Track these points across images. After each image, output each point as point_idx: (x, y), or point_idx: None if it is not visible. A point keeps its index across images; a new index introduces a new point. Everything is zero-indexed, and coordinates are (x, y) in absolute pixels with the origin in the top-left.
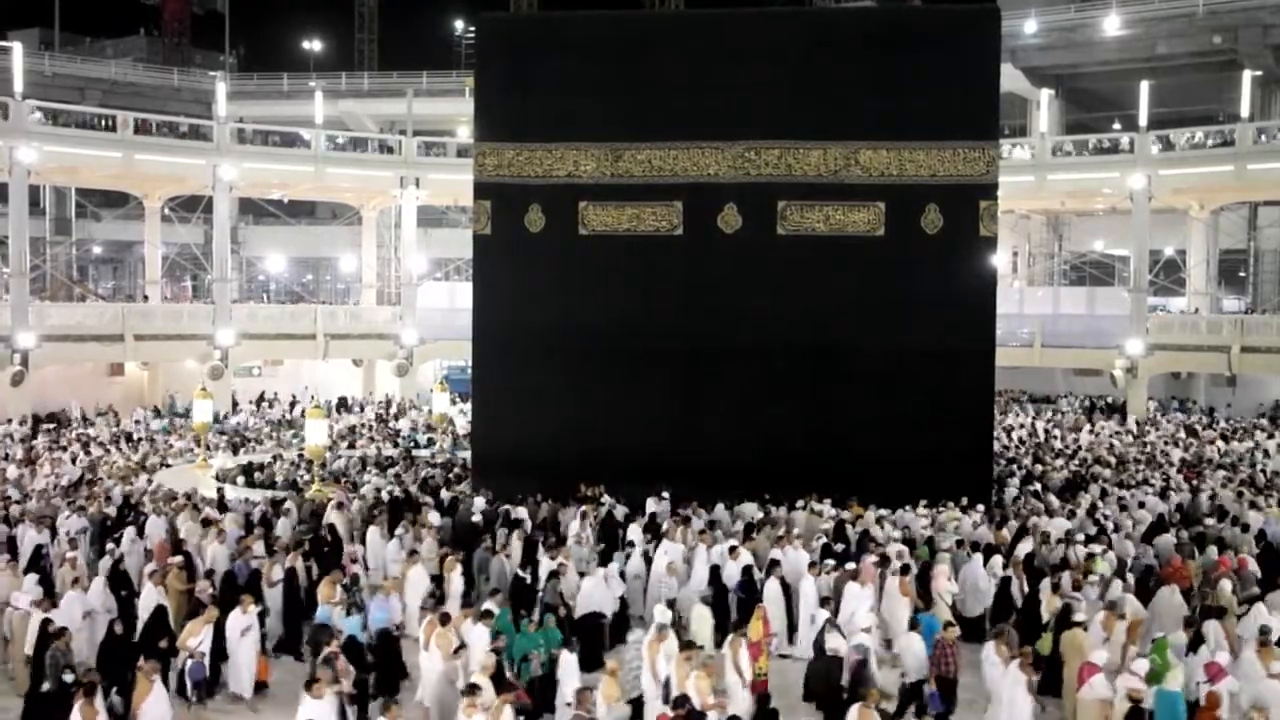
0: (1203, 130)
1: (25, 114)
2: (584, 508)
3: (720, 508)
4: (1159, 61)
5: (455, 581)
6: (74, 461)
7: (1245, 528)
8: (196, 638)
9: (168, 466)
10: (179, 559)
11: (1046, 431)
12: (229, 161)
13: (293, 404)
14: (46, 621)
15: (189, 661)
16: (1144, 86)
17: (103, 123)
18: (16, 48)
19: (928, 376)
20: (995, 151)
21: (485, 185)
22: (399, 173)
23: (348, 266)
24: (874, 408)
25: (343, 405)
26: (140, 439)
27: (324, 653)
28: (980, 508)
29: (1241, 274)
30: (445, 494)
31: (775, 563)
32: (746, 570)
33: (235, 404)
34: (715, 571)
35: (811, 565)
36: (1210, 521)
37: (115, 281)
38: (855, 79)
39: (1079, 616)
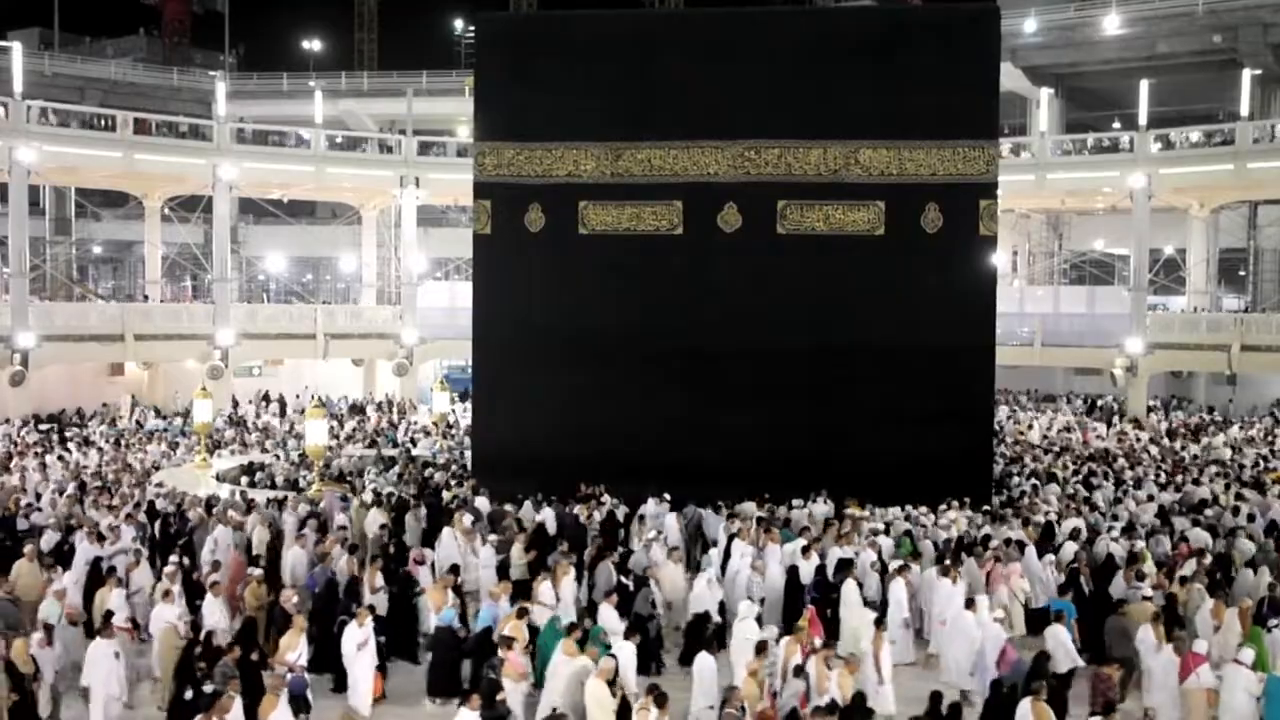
0: (1203, 129)
1: (25, 114)
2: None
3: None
4: (1159, 60)
5: (568, 588)
6: (43, 468)
7: (1252, 517)
8: (294, 650)
9: (157, 469)
10: (258, 572)
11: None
12: (229, 161)
13: (266, 401)
14: (193, 644)
15: (288, 675)
16: (1144, 85)
17: (103, 122)
18: (16, 47)
19: (928, 375)
20: (995, 150)
21: (485, 185)
22: (399, 172)
23: (348, 266)
24: (874, 407)
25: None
26: (99, 444)
27: (492, 658)
28: (985, 507)
29: (1241, 273)
30: (446, 495)
31: (847, 563)
32: (820, 570)
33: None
34: (793, 572)
35: (903, 568)
36: (1210, 512)
37: (115, 281)
38: (855, 78)
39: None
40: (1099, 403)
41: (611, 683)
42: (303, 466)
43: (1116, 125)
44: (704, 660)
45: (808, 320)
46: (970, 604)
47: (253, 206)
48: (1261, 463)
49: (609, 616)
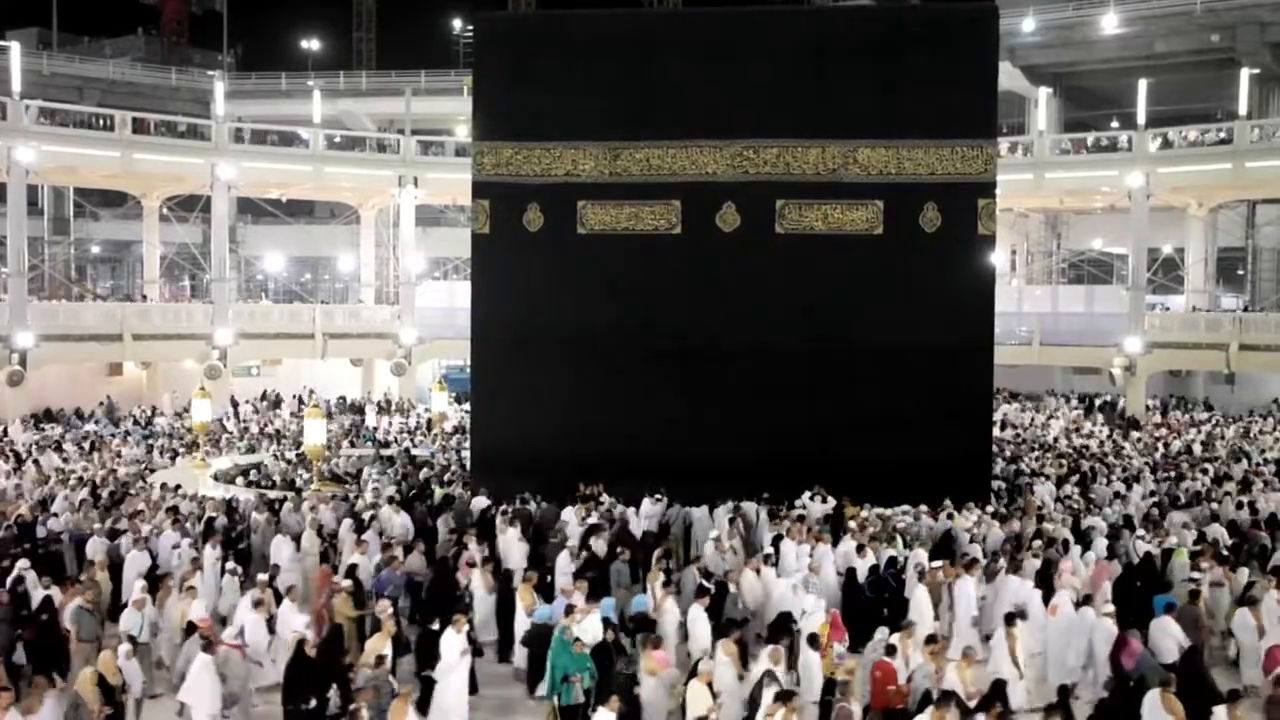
0: (1201, 128)
1: (23, 113)
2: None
3: (725, 507)
4: (1157, 59)
5: (660, 593)
6: (17, 472)
7: (1255, 510)
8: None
9: (152, 470)
10: (349, 583)
11: None
12: (227, 161)
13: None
14: (301, 642)
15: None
16: (1142, 84)
17: (101, 122)
18: (14, 47)
19: (926, 375)
20: (993, 149)
21: (484, 184)
22: (397, 172)
23: (346, 266)
24: (873, 406)
25: (276, 404)
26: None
27: (628, 653)
28: (988, 508)
29: (1240, 272)
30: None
31: (893, 560)
32: (874, 569)
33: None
34: (851, 574)
35: (971, 565)
36: (1214, 506)
37: (114, 281)
38: (854, 77)
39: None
40: (1097, 402)
41: (710, 685)
42: (300, 466)
43: (1115, 124)
44: (810, 657)
45: (806, 320)
46: (1089, 600)
47: (251, 206)
48: (1244, 459)
49: (700, 619)
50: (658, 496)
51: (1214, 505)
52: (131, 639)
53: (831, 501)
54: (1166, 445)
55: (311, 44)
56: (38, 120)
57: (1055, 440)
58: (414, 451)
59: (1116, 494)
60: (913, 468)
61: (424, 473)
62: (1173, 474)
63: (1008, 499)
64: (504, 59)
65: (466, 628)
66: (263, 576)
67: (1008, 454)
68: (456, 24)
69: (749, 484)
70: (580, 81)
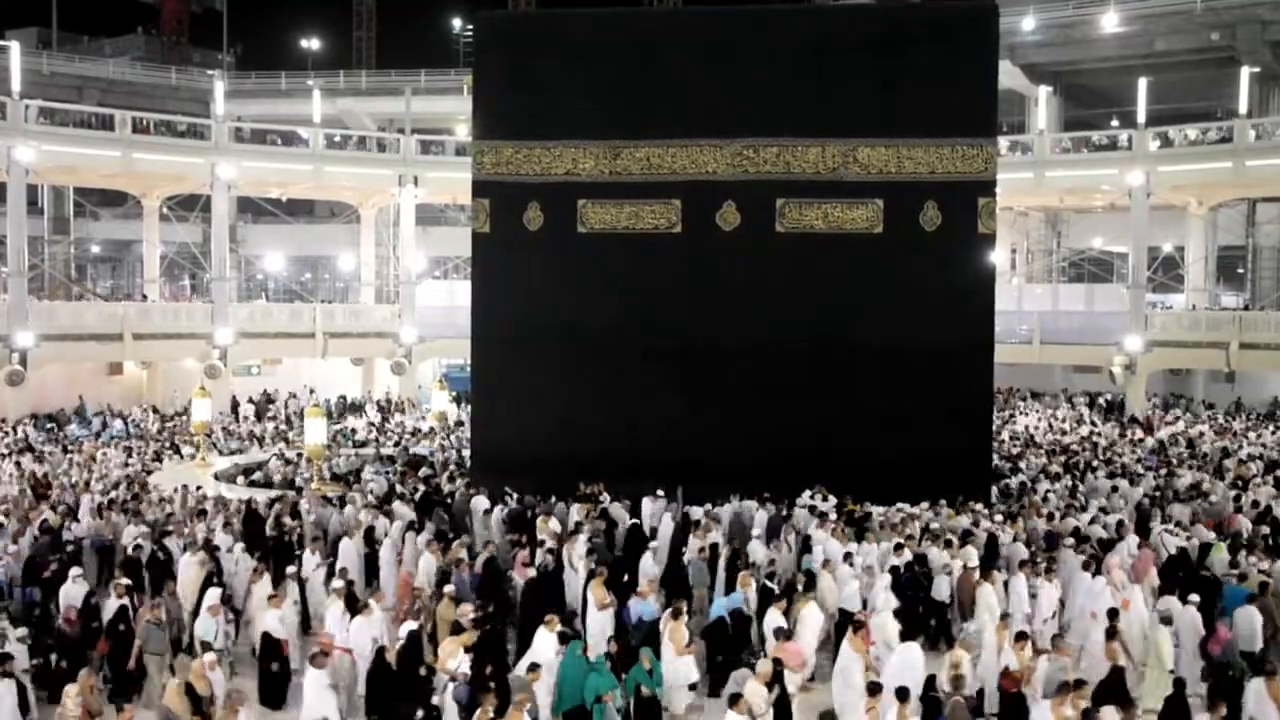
0: (1201, 127)
1: (23, 113)
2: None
3: (729, 506)
4: (1157, 58)
5: (751, 598)
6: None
7: (1255, 504)
8: (455, 659)
9: (149, 472)
10: (450, 589)
11: None
12: (227, 160)
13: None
14: (382, 650)
15: (451, 684)
16: (1142, 83)
17: (101, 122)
18: (14, 46)
19: (927, 374)
20: (993, 148)
21: (484, 183)
22: (397, 171)
23: (346, 265)
24: (873, 405)
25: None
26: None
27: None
28: (982, 506)
29: (1240, 270)
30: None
31: (921, 558)
32: (909, 567)
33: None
34: (895, 572)
35: (1023, 563)
36: (1215, 499)
37: (114, 280)
38: (854, 76)
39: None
40: (1099, 401)
41: (770, 684)
42: (296, 466)
43: (1115, 123)
44: (910, 649)
45: (807, 319)
46: (1168, 591)
47: (251, 205)
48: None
49: (777, 620)
50: (658, 494)
51: (1212, 500)
52: (206, 645)
53: (833, 500)
54: (1141, 441)
55: (311, 43)
56: (37, 120)
57: (1032, 437)
58: (414, 450)
59: (1114, 489)
60: (913, 467)
61: (423, 471)
62: (1165, 470)
63: (1014, 496)
64: (504, 59)
65: (559, 626)
66: (339, 582)
67: (1015, 450)
68: (456, 23)
69: (750, 483)
70: (580, 81)
